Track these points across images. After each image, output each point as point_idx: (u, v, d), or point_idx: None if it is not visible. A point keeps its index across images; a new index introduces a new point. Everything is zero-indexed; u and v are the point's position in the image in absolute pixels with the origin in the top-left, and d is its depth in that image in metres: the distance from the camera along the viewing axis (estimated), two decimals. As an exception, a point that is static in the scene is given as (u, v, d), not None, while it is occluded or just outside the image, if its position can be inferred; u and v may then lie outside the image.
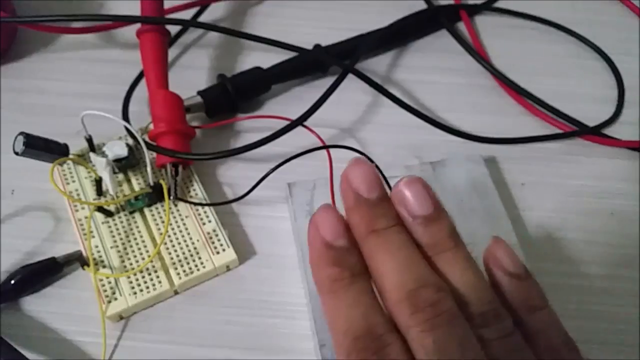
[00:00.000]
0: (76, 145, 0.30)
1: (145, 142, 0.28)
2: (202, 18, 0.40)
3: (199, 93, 0.33)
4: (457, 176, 0.31)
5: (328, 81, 0.33)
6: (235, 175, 0.32)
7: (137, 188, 0.30)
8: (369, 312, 0.19)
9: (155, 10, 0.32)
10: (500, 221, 0.30)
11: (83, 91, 0.35)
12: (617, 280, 0.29)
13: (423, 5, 0.41)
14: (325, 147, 0.28)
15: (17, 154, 0.27)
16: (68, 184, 0.30)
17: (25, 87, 0.35)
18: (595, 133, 0.35)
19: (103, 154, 0.29)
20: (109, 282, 0.27)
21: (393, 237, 0.19)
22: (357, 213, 0.20)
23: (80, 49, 0.38)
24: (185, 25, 0.38)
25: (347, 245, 0.20)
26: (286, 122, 0.30)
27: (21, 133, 0.27)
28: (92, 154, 0.29)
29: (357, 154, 0.25)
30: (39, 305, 0.27)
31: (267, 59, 0.35)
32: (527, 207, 0.32)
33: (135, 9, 0.33)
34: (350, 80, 0.32)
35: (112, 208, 0.29)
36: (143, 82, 0.34)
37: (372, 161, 0.25)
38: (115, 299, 0.27)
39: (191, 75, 0.36)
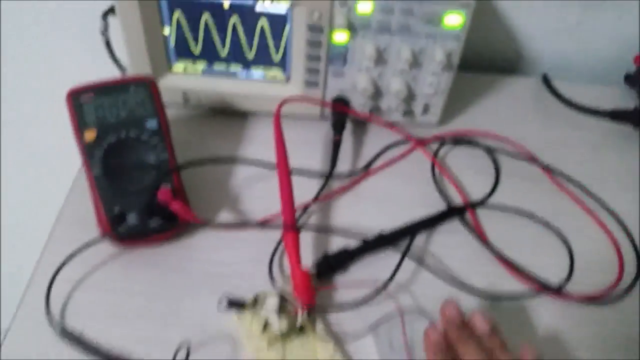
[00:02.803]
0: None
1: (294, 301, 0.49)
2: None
3: (316, 264, 0.54)
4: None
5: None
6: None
7: (283, 325, 0.49)
8: None
9: (291, 212, 0.54)
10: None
11: (236, 260, 0.56)
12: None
13: (441, 203, 0.63)
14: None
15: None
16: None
17: (198, 257, 0.56)
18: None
19: (264, 305, 0.49)
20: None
21: (470, 342, 0.42)
22: (451, 329, 0.43)
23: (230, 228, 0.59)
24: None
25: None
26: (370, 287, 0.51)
27: (226, 297, 0.48)
28: (265, 307, 0.49)
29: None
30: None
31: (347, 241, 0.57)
32: None
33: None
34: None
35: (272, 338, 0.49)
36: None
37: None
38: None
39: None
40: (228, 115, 0.70)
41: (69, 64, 0.80)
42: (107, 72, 0.58)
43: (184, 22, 0.62)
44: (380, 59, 0.64)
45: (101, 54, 0.64)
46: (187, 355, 0.45)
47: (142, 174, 0.53)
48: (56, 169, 0.73)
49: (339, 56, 0.64)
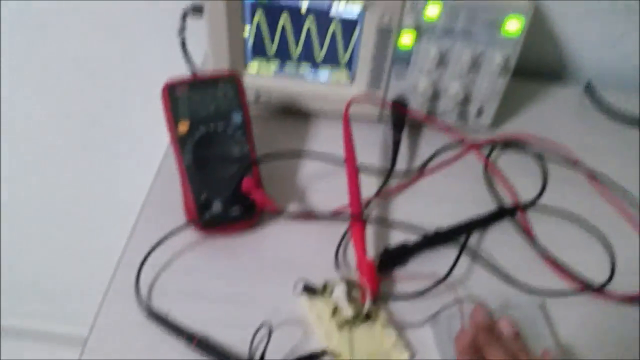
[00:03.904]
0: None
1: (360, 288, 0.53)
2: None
3: (377, 257, 0.58)
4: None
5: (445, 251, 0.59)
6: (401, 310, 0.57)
7: (350, 311, 0.54)
8: None
9: (358, 205, 0.58)
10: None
11: (305, 250, 0.60)
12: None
13: (491, 203, 0.67)
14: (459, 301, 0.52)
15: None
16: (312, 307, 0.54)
17: (271, 247, 0.61)
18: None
19: (332, 291, 0.54)
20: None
21: (497, 345, 0.46)
22: (480, 333, 0.47)
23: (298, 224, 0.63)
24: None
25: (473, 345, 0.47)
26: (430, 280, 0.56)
27: (302, 282, 0.52)
28: (334, 294, 0.53)
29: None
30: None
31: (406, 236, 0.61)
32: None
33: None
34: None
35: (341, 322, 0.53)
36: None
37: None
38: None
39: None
40: (294, 115, 0.74)
41: (146, 63, 0.86)
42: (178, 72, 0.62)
43: (263, 23, 0.66)
44: (441, 62, 0.67)
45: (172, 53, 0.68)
46: (269, 335, 0.50)
47: (227, 165, 0.58)
48: (140, 159, 0.78)
49: (403, 59, 0.67)
